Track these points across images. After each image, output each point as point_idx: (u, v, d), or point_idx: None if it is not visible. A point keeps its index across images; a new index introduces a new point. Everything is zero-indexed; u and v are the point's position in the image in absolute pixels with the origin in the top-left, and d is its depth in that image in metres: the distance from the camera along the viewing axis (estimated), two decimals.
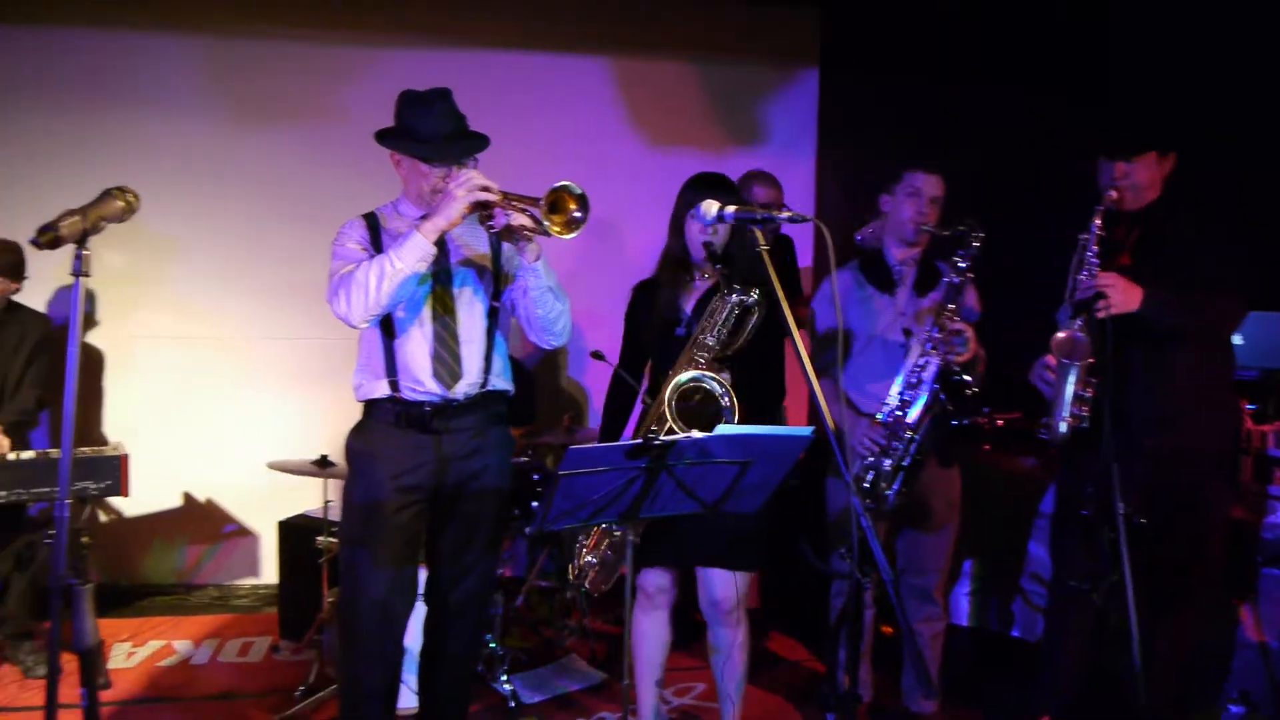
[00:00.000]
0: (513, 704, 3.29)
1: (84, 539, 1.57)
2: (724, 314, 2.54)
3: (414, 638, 2.75)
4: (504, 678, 3.35)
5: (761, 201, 3.76)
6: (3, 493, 3.28)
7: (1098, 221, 2.61)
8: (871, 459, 2.85)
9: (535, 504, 3.62)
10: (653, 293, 2.78)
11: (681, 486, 2.15)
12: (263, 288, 4.57)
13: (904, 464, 2.81)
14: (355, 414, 2.69)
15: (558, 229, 2.30)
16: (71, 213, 1.60)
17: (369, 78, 4.48)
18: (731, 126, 4.95)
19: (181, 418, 4.52)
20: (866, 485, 2.83)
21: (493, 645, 3.40)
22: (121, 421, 4.52)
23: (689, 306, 2.73)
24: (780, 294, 2.03)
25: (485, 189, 2.37)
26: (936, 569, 3.04)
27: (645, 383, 2.82)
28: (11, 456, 3.37)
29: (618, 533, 2.61)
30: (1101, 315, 2.52)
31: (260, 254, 4.56)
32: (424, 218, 2.46)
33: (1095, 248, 2.60)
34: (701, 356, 2.54)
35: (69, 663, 3.61)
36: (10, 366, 3.67)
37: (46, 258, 3.95)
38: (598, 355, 2.93)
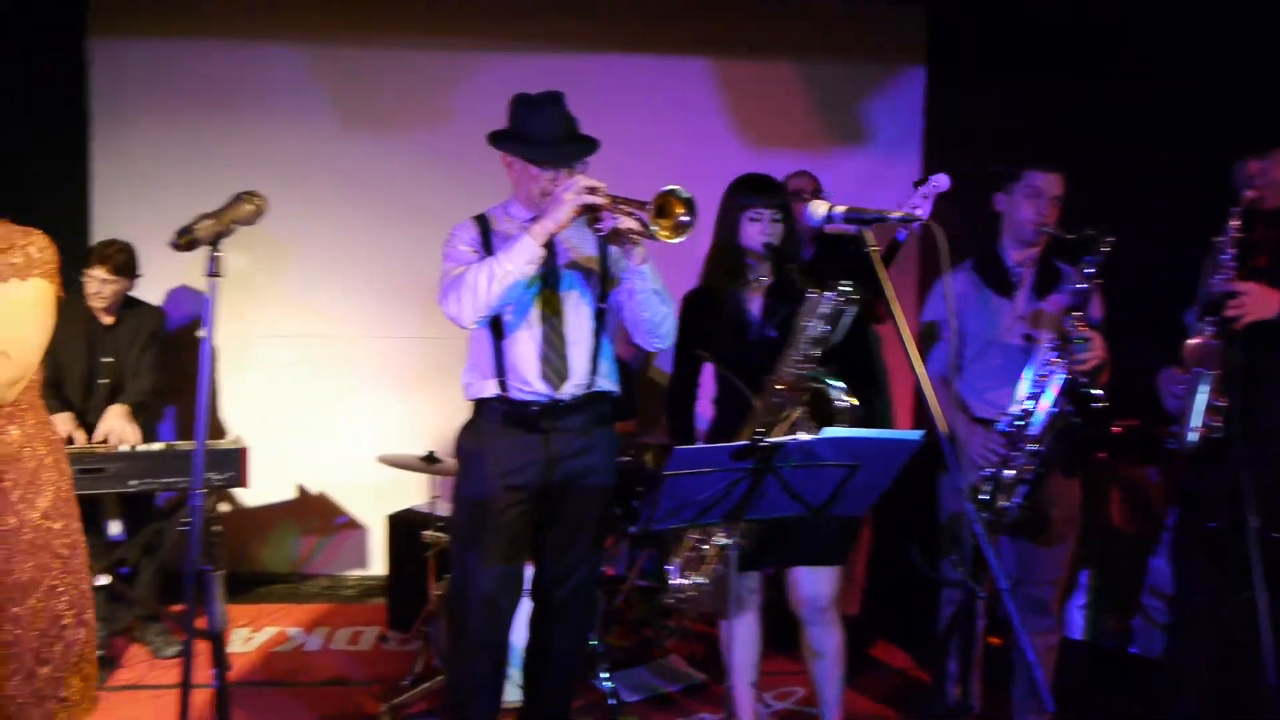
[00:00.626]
0: (613, 702, 3.32)
1: (215, 528, 1.64)
2: (823, 314, 2.52)
3: (520, 633, 2.80)
4: (604, 675, 3.38)
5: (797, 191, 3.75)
6: (134, 482, 3.47)
7: (1235, 223, 2.49)
8: (991, 470, 2.76)
9: (637, 503, 3.64)
10: (709, 298, 2.77)
11: (787, 489, 2.14)
12: (373, 288, 4.71)
13: (1027, 476, 2.71)
14: (462, 412, 2.76)
15: (665, 233, 2.31)
16: (206, 216, 1.69)
17: (474, 82, 4.59)
18: (835, 127, 4.89)
19: (295, 413, 4.69)
20: (985, 497, 2.73)
21: (593, 643, 3.43)
22: (238, 416, 4.72)
23: (754, 308, 2.72)
24: (891, 294, 2.00)
25: (593, 192, 2.39)
26: (1052, 580, 2.94)
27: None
28: (142, 448, 3.57)
29: (724, 542, 2.58)
30: (1235, 320, 2.41)
31: (371, 255, 4.70)
32: (533, 220, 2.51)
33: (1231, 250, 2.48)
34: (802, 357, 2.52)
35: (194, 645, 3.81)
36: (128, 357, 3.86)
37: (157, 258, 4.26)
38: (701, 355, 2.93)
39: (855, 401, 2.46)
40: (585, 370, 2.64)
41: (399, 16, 4.66)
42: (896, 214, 2.10)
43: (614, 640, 3.81)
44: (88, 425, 3.68)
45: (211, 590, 1.61)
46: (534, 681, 2.88)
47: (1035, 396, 2.71)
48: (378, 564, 4.70)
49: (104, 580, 3.59)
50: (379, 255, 4.68)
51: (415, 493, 4.10)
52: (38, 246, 1.90)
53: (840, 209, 2.14)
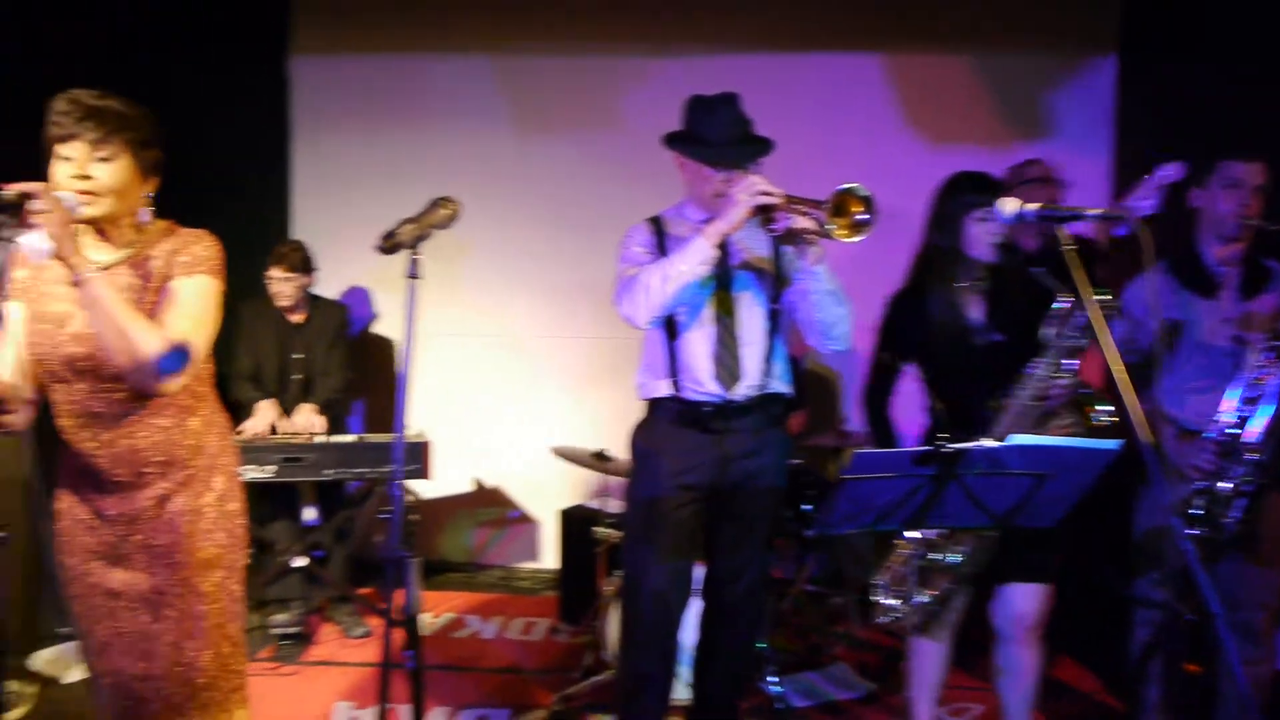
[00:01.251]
0: (781, 706, 3.29)
1: (412, 516, 1.73)
2: (1078, 324, 2.35)
3: (689, 632, 2.82)
4: (772, 679, 3.36)
5: None
6: (329, 471, 3.71)
7: None
8: (1204, 483, 2.58)
9: (806, 506, 3.60)
10: (922, 300, 2.65)
11: (970, 497, 2.07)
12: (546, 289, 4.84)
13: (1245, 489, 2.51)
14: (632, 411, 2.80)
15: (842, 232, 2.27)
16: (407, 221, 1.78)
17: (644, 85, 4.64)
18: (1014, 120, 4.68)
19: (471, 409, 4.86)
20: (1197, 512, 2.54)
21: (761, 645, 3.41)
22: (418, 411, 4.92)
23: (974, 311, 2.61)
24: (1090, 297, 1.90)
25: (766, 193, 2.38)
26: (1265, 606, 2.72)
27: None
28: (335, 439, 3.79)
29: (955, 560, 2.49)
30: None
31: (544, 257, 4.83)
32: (706, 221, 2.52)
33: None
34: (1058, 369, 2.38)
35: (379, 626, 4.02)
36: (317, 352, 4.11)
37: (344, 258, 4.51)
38: (883, 356, 2.86)
39: (1116, 420, 2.33)
40: (758, 371, 2.63)
41: (573, 24, 4.77)
42: (1094, 210, 1.99)
43: (782, 644, 3.78)
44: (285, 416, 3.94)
45: (408, 575, 1.70)
46: (702, 680, 2.89)
47: (1250, 401, 2.51)
48: (550, 557, 4.83)
49: (301, 562, 3.85)
50: (552, 257, 4.80)
51: (586, 489, 4.19)
52: (203, 245, 2.00)
53: (1032, 206, 2.05)
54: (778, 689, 3.32)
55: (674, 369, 2.63)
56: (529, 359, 4.90)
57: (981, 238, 2.53)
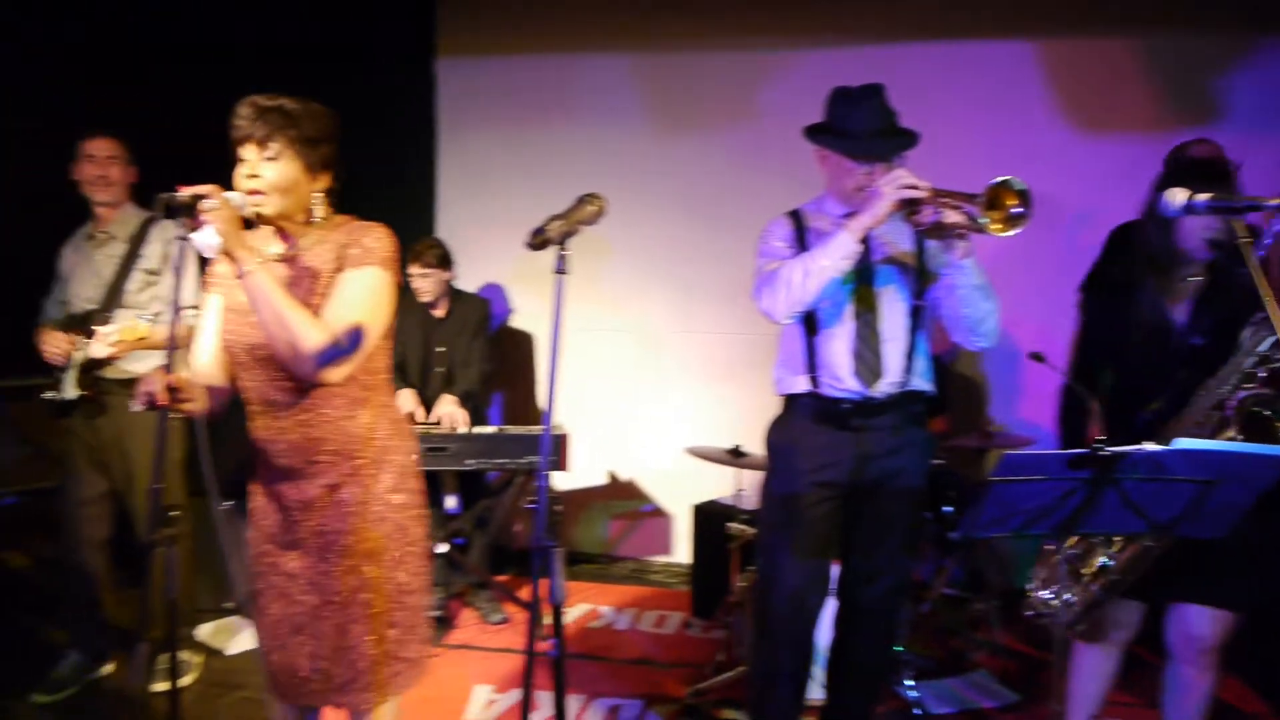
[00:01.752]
0: (917, 711, 3.21)
1: (557, 507, 1.76)
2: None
3: (824, 632, 2.78)
4: (909, 683, 3.28)
5: None
6: (470, 461, 3.83)
7: None
8: None
9: (947, 508, 3.50)
10: (1125, 293, 2.44)
11: (1128, 503, 1.97)
12: (682, 284, 4.86)
13: None
14: (767, 407, 2.77)
15: (997, 226, 2.19)
16: (555, 218, 1.81)
17: (783, 80, 4.60)
18: (1180, 105, 4.41)
19: (607, 403, 4.93)
20: None
21: (899, 649, 3.34)
22: (557, 403, 5.03)
23: (1179, 312, 2.40)
24: (1268, 291, 1.77)
25: (912, 186, 2.32)
26: None
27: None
28: (476, 430, 3.91)
29: (1104, 562, 2.38)
30: None
31: (680, 254, 4.85)
32: (848, 215, 2.47)
33: None
34: (1243, 377, 2.21)
35: (516, 613, 4.12)
36: (458, 345, 4.23)
37: (484, 254, 4.63)
38: (1037, 357, 2.75)
39: None
40: (900, 368, 2.57)
41: (711, 18, 4.76)
42: (1275, 200, 1.85)
43: (920, 649, 3.69)
44: (426, 407, 4.08)
45: (553, 565, 1.73)
46: (837, 681, 2.85)
47: None
48: (682, 552, 4.85)
49: (442, 549, 3.98)
50: (689, 252, 4.81)
51: (720, 484, 4.18)
52: (374, 238, 2.02)
53: (1202, 197, 1.92)
54: (915, 694, 3.25)
55: (813, 365, 2.60)
56: (665, 354, 4.93)
57: (1195, 232, 2.30)
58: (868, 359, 2.55)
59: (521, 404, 5.07)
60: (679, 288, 4.87)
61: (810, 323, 2.59)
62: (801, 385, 2.62)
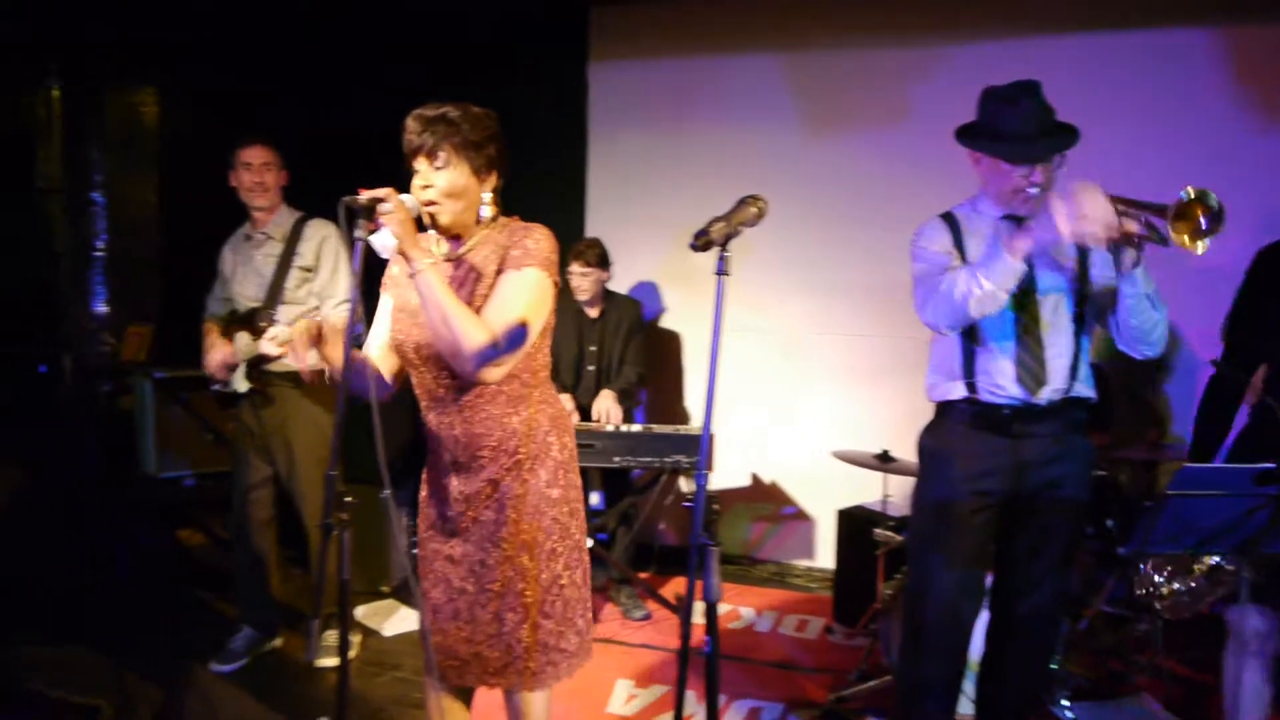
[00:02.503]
0: None
1: (715, 506, 1.77)
2: None
3: (976, 645, 2.70)
4: (1064, 703, 3.15)
5: None
6: (616, 458, 3.89)
7: None
8: None
9: (1110, 521, 3.35)
10: None
11: None
12: (829, 286, 4.80)
13: None
14: (916, 412, 2.72)
15: (1184, 240, 2.07)
16: (718, 219, 1.83)
17: (935, 76, 4.48)
18: None
19: (751, 404, 4.92)
20: None
21: (1053, 666, 3.21)
22: (702, 403, 5.05)
23: None
24: None
25: (1107, 224, 2.16)
26: None
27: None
28: (624, 428, 3.98)
29: (1214, 561, 2.30)
30: None
31: (826, 255, 4.79)
32: (1006, 217, 2.38)
33: None
34: None
35: (658, 610, 4.17)
36: (613, 344, 4.31)
37: (632, 254, 4.69)
38: (1220, 365, 2.60)
39: None
40: (1064, 375, 2.48)
41: (860, 15, 4.69)
42: None
43: (1076, 668, 3.54)
44: (579, 406, 4.18)
45: (709, 563, 1.75)
46: (988, 696, 2.77)
47: None
48: (825, 556, 4.79)
49: (587, 544, 4.05)
50: (837, 254, 4.75)
51: (865, 489, 4.12)
52: (534, 239, 2.06)
53: None
54: (1070, 714, 3.12)
55: (971, 370, 2.53)
56: (811, 356, 4.88)
57: None
58: (1031, 366, 2.47)
59: (666, 402, 5.12)
60: (823, 289, 4.82)
61: (970, 329, 2.51)
62: (957, 391, 2.56)
